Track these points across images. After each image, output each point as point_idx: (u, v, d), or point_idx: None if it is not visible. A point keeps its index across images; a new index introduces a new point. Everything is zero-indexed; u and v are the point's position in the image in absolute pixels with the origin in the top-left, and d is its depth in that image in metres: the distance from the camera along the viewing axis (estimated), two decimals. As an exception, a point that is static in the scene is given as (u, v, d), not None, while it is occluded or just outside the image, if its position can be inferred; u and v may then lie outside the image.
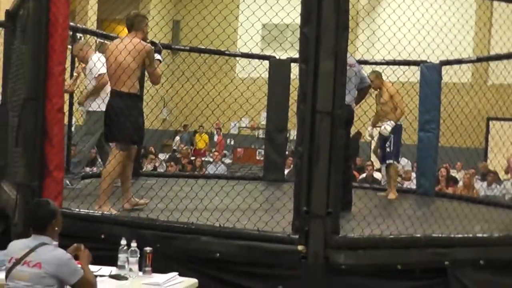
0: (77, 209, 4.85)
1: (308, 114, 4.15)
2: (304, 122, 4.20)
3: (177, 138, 17.55)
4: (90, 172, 8.27)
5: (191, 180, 7.06)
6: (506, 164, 13.03)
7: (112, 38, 8.03)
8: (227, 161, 15.21)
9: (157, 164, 12.70)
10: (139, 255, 3.99)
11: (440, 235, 4.61)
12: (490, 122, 15.76)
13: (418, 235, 4.52)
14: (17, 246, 3.38)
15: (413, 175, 11.10)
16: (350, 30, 4.33)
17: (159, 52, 5.33)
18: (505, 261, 4.74)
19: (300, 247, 4.19)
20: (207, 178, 8.14)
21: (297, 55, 4.47)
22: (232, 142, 17.16)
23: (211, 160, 13.82)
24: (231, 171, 12.75)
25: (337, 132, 4.18)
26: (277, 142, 8.56)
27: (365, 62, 8.11)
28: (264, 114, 9.04)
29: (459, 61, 7.90)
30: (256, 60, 8.91)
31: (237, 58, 9.57)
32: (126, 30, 5.35)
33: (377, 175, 12.02)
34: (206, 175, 9.13)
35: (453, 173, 13.12)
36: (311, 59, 4.15)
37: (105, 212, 4.96)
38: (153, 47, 5.19)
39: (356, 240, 4.31)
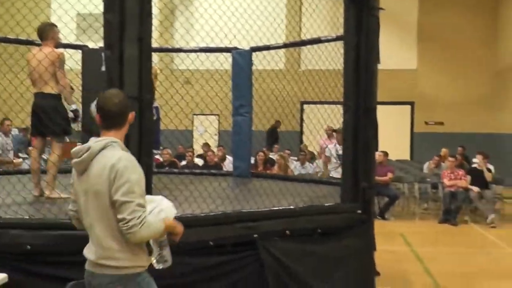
0: None
1: (115, 100, 4.18)
2: (112, 108, 4.22)
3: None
4: None
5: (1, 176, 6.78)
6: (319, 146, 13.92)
7: None
8: (45, 156, 14.60)
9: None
10: None
11: (249, 210, 4.87)
12: (304, 106, 16.77)
13: (228, 212, 4.74)
14: None
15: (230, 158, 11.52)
16: (165, 17, 4.42)
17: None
18: (309, 229, 5.15)
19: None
20: (22, 173, 7.82)
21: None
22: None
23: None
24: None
25: (145, 117, 4.26)
26: (94, 133, 8.41)
27: (179, 50, 8.25)
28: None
29: (267, 48, 8.30)
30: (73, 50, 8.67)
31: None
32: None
33: (198, 160, 12.29)
34: (21, 171, 8.75)
35: (272, 155, 13.76)
36: (115, 45, 4.18)
37: None
38: (62, 53, 5.94)
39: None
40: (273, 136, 16.32)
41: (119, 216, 2.91)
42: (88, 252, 3.13)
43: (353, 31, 5.70)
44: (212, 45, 8.37)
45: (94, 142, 3.09)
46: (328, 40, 7.43)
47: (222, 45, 8.32)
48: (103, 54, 6.13)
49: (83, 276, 4.28)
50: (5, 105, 8.32)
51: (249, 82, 8.33)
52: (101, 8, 5.98)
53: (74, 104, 6.08)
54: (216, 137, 17.57)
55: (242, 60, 8.27)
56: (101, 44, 7.91)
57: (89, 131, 8.47)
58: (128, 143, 4.17)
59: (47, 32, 5.99)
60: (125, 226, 2.91)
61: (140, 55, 4.23)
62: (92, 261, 3.08)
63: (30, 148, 11.69)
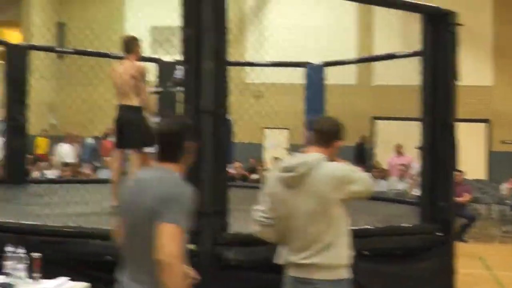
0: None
1: (192, 113, 4.21)
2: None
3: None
4: None
5: (80, 185, 6.95)
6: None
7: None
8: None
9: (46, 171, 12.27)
10: (26, 262, 3.89)
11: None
12: (376, 122, 16.47)
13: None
14: None
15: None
16: (239, 31, 4.44)
17: None
18: (386, 250, 5.01)
19: (190, 246, 4.23)
20: (98, 183, 8.01)
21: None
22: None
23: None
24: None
25: (219, 131, 4.25)
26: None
27: (251, 64, 8.29)
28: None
29: (340, 62, 8.24)
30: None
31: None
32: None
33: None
34: (97, 180, 8.95)
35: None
36: (192, 59, 4.21)
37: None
38: (143, 66, 6.02)
39: (246, 237, 4.34)
40: (359, 152, 15.89)
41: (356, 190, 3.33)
42: (302, 258, 3.27)
43: (431, 47, 5.62)
44: (284, 59, 8.37)
45: (307, 158, 3.32)
46: (403, 56, 7.32)
47: (294, 59, 8.33)
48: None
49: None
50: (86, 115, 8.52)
51: (322, 96, 8.29)
52: (174, 22, 6.11)
53: (156, 116, 6.14)
54: (286, 151, 17.52)
55: (315, 75, 8.25)
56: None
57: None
58: (202, 157, 4.20)
59: (131, 45, 6.09)
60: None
61: (216, 69, 4.24)
62: (315, 264, 3.25)
63: (108, 158, 12.05)
